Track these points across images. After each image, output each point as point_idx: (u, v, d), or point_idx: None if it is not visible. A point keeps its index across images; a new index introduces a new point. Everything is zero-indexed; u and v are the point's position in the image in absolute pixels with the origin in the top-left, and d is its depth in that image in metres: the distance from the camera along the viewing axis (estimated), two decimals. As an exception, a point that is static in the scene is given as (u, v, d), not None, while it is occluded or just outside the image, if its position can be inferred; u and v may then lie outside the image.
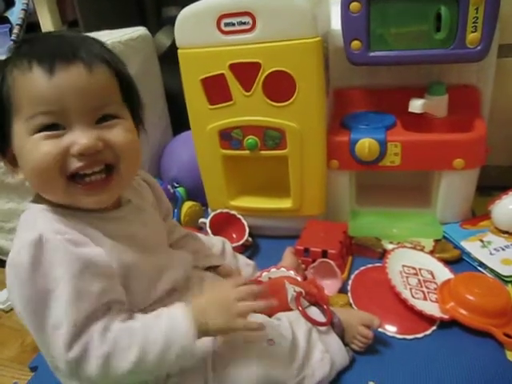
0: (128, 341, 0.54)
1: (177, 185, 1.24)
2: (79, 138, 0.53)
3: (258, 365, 0.63)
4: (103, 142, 0.55)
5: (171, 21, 1.68)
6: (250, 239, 1.09)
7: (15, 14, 1.59)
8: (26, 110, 0.53)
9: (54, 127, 0.54)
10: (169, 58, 1.33)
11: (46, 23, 1.55)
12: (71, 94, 0.53)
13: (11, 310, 1.03)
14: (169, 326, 0.56)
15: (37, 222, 0.56)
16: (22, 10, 1.57)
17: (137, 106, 0.64)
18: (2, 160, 0.59)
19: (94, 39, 0.60)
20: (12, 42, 1.46)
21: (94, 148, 0.54)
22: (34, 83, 0.53)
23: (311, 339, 0.70)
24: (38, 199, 0.60)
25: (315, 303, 0.77)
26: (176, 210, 1.16)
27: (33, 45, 0.56)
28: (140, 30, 1.31)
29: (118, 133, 0.57)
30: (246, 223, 1.08)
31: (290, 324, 0.70)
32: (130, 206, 0.66)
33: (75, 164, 0.54)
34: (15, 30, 1.55)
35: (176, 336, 0.55)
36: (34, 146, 0.53)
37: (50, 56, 0.53)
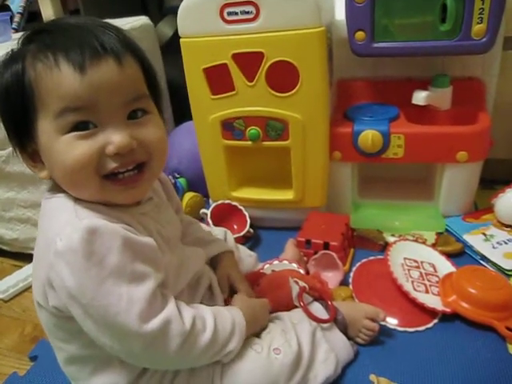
0: (202, 324, 0.58)
1: (178, 175, 1.23)
2: (113, 137, 0.52)
3: (263, 376, 0.63)
4: (136, 140, 0.54)
5: (173, 11, 1.67)
6: (252, 230, 1.09)
7: (16, 3, 1.58)
8: (54, 106, 0.51)
9: (84, 125, 0.52)
10: (171, 48, 1.33)
11: (48, 12, 1.53)
12: (103, 90, 0.51)
13: (11, 299, 1.03)
14: (236, 317, 0.64)
15: (78, 211, 0.55)
16: (23, -2, 1.56)
17: (159, 95, 0.62)
18: (21, 155, 0.57)
19: (112, 26, 0.57)
20: (13, 30, 1.46)
21: (129, 147, 0.53)
22: (64, 80, 0.50)
23: (315, 340, 0.69)
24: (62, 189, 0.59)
25: (318, 298, 0.77)
26: (177, 201, 1.15)
27: (54, 35, 0.53)
28: (142, 20, 1.30)
29: (150, 130, 0.56)
30: (247, 214, 1.08)
31: (294, 327, 0.69)
32: (150, 204, 0.64)
33: (111, 164, 0.53)
34: (16, 19, 1.55)
35: (239, 329, 0.63)
36: (67, 147, 0.52)
37: (78, 51, 0.50)
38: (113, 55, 0.52)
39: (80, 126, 0.52)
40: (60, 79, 0.50)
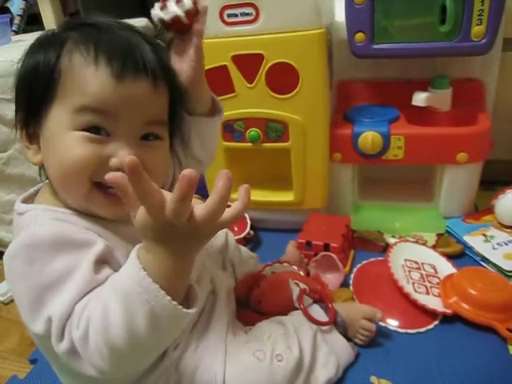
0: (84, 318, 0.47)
1: (178, 177, 1.23)
2: (121, 151, 0.51)
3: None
4: (141, 162, 0.53)
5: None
6: (252, 232, 1.09)
7: (16, 5, 1.59)
8: (76, 99, 0.51)
9: (96, 130, 0.51)
10: (170, 50, 1.33)
11: (48, 15, 1.54)
12: (130, 104, 0.51)
13: (11, 301, 1.02)
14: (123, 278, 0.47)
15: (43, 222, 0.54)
16: (24, 0, 1.57)
17: (176, 121, 0.62)
18: (20, 132, 0.56)
19: (160, 45, 0.58)
20: (13, 32, 1.46)
21: None
22: (97, 81, 0.50)
23: (316, 343, 0.69)
24: (41, 197, 0.58)
25: (319, 300, 0.77)
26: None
27: (103, 35, 0.53)
28: (142, 21, 1.31)
29: (157, 158, 0.56)
30: (247, 216, 1.08)
31: (296, 331, 0.69)
32: None
33: None
34: (16, 21, 1.56)
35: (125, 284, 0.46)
36: (73, 144, 0.51)
37: (120, 60, 0.50)
38: (151, 76, 0.53)
39: (92, 130, 0.51)
40: (93, 77, 0.50)
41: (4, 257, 0.51)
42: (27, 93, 0.54)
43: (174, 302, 0.44)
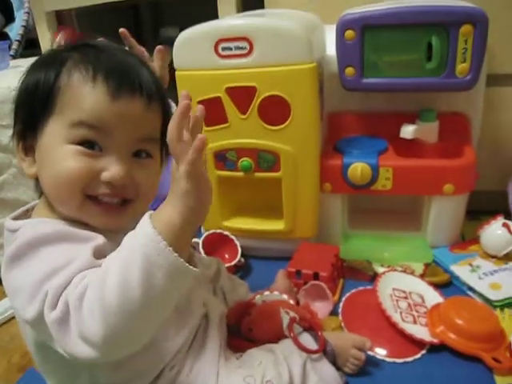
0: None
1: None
2: (113, 166, 0.54)
3: None
4: (131, 179, 0.55)
5: (169, 41, 1.72)
6: (243, 260, 1.09)
7: (15, 30, 1.61)
8: (72, 114, 0.53)
9: (90, 146, 0.54)
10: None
11: (45, 40, 1.56)
12: (124, 121, 0.54)
13: (-1, 326, 1.02)
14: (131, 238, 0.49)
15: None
16: (22, 26, 1.60)
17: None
18: (16, 144, 0.58)
19: (148, 67, 0.61)
20: (11, 57, 1.48)
21: (122, 181, 0.54)
22: (93, 97, 0.53)
23: (306, 372, 0.70)
24: (35, 213, 0.60)
25: (308, 328, 0.77)
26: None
27: (102, 55, 0.56)
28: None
29: (147, 174, 0.58)
30: (238, 244, 1.09)
31: (286, 359, 0.70)
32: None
33: (101, 189, 0.54)
34: (14, 46, 1.58)
35: (137, 240, 0.48)
36: (67, 157, 0.53)
37: (117, 79, 0.53)
38: (146, 96, 0.55)
39: (86, 144, 0.53)
40: (90, 94, 0.53)
41: (5, 256, 0.52)
42: (26, 106, 0.57)
43: (170, 248, 0.45)
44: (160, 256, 0.45)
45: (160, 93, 0.59)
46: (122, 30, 0.64)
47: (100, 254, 0.53)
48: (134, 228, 0.50)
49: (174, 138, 0.48)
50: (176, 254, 0.46)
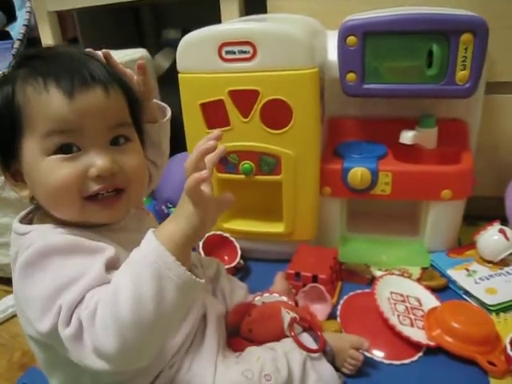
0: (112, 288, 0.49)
1: (171, 205, 1.25)
2: (96, 160, 0.55)
3: None
4: (118, 167, 0.57)
5: (170, 43, 1.73)
6: (242, 262, 1.10)
7: (16, 29, 1.61)
8: (41, 127, 0.54)
9: (68, 148, 0.54)
10: (166, 80, 1.36)
11: (47, 40, 1.57)
12: (89, 115, 0.54)
13: (0, 325, 1.03)
14: (139, 254, 0.51)
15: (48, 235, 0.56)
16: (24, 25, 1.59)
17: (142, 125, 0.66)
18: (3, 174, 0.59)
19: (98, 58, 0.62)
20: (12, 57, 1.49)
21: (111, 171, 0.55)
22: (52, 104, 0.53)
23: (305, 370, 0.71)
24: (39, 220, 0.61)
25: (308, 329, 0.79)
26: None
27: (45, 61, 0.56)
28: (141, 52, 1.34)
29: (131, 157, 0.59)
30: (238, 246, 1.10)
31: (285, 355, 0.71)
32: (129, 215, 0.66)
33: (93, 187, 0.55)
34: (15, 45, 1.57)
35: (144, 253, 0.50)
36: (51, 169, 0.54)
37: (68, 78, 0.54)
38: (100, 84, 0.56)
39: (64, 149, 0.54)
40: (48, 103, 0.53)
41: (17, 265, 0.53)
42: None
43: (178, 262, 0.48)
44: (171, 271, 0.48)
45: (116, 78, 0.60)
46: (104, 51, 0.65)
47: (111, 265, 0.54)
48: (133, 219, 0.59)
49: (191, 169, 0.51)
50: (184, 268, 0.48)
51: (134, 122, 0.63)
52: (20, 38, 1.60)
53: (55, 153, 0.54)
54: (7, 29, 1.65)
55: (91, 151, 0.55)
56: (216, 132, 0.54)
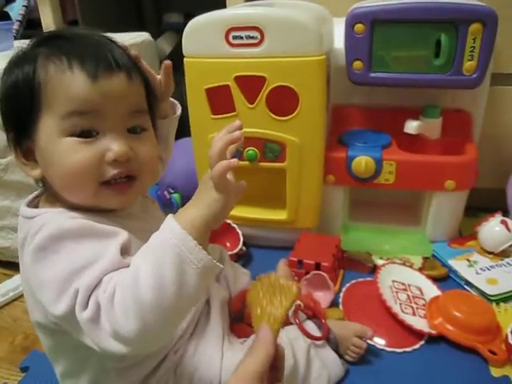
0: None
1: (172, 191, 1.24)
2: (113, 145, 0.54)
3: None
4: (134, 153, 0.56)
5: (172, 27, 1.71)
6: (244, 248, 1.11)
7: (15, 10, 1.59)
8: (61, 107, 0.53)
9: (87, 132, 0.54)
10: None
11: (47, 21, 1.55)
12: (111, 98, 0.54)
13: (1, 308, 1.02)
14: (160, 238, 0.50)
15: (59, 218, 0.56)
16: (23, 6, 1.57)
17: (155, 113, 0.66)
18: (14, 151, 0.58)
19: (121, 45, 0.61)
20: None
21: (127, 156, 0.55)
22: (75, 84, 0.52)
23: (310, 357, 0.71)
24: (46, 203, 0.60)
25: (312, 316, 0.79)
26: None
27: (70, 42, 0.55)
28: (143, 36, 1.32)
29: (146, 146, 0.58)
30: (240, 232, 1.10)
31: (290, 343, 0.71)
32: (137, 203, 0.66)
33: (109, 172, 0.55)
34: (15, 26, 1.56)
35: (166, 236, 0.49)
36: (68, 150, 0.53)
37: (93, 61, 0.53)
38: (124, 70, 0.55)
39: (83, 134, 0.54)
40: (71, 82, 0.52)
41: (30, 249, 0.52)
42: (13, 112, 0.56)
43: (200, 247, 0.48)
44: (192, 255, 0.47)
45: (137, 66, 0.60)
46: (134, 53, 0.64)
47: (125, 249, 0.54)
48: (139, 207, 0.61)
49: (217, 157, 0.51)
50: (205, 252, 0.48)
51: (149, 110, 0.62)
52: (19, 19, 1.59)
53: (73, 135, 0.53)
54: (6, 9, 1.63)
55: (109, 136, 0.55)
56: (238, 122, 0.55)
